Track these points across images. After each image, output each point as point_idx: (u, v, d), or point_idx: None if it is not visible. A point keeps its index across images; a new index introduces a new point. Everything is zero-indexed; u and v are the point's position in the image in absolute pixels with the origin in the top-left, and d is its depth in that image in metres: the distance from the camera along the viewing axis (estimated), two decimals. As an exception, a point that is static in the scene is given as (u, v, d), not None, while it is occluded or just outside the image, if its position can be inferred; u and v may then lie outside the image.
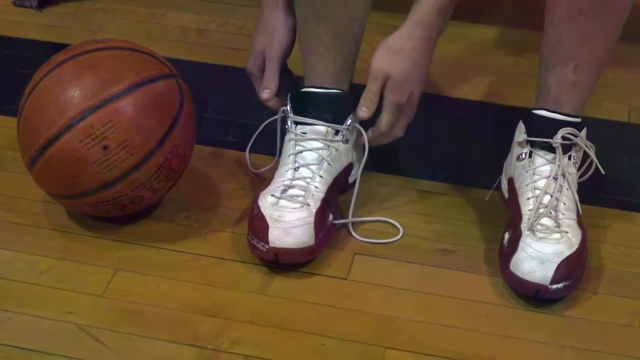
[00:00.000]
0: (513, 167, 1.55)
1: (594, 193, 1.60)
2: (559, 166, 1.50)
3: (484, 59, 1.97)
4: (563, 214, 1.48)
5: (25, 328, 1.39)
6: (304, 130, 1.54)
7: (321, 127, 1.53)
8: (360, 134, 1.55)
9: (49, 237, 1.53)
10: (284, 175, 1.52)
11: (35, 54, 1.96)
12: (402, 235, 1.55)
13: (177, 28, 2.03)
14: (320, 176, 1.52)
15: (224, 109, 1.80)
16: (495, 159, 1.66)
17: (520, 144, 1.54)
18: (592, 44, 1.48)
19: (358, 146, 1.57)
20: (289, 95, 1.56)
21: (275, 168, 1.59)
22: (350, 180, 1.61)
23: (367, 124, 1.55)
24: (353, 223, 1.55)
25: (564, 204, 1.49)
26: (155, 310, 1.42)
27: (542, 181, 1.50)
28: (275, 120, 1.59)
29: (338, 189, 1.57)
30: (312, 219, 1.47)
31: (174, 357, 1.36)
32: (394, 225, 1.57)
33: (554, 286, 1.42)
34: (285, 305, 1.44)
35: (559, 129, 1.50)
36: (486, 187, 1.63)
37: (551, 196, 1.49)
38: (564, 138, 1.50)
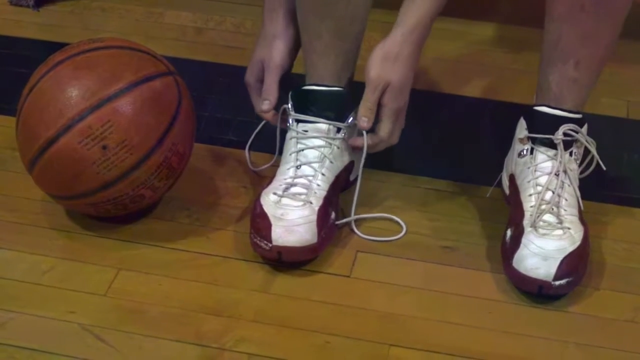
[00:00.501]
0: (514, 163, 1.55)
1: (594, 189, 1.60)
2: (560, 162, 1.50)
3: (482, 56, 1.97)
4: (565, 210, 1.48)
5: (29, 328, 1.38)
6: (305, 128, 1.53)
7: (323, 125, 1.53)
8: (356, 134, 1.55)
9: (50, 237, 1.53)
10: (285, 173, 1.52)
11: (32, 53, 1.96)
12: (405, 232, 1.55)
13: (175, 26, 2.03)
14: (322, 174, 1.52)
15: (223, 107, 1.80)
16: (495, 155, 1.66)
17: (521, 140, 1.54)
18: (593, 41, 1.48)
19: (354, 147, 1.57)
20: (290, 93, 1.56)
21: (275, 166, 1.58)
22: (352, 177, 1.61)
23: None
24: (356, 220, 1.55)
25: (566, 200, 1.49)
26: (158, 310, 1.42)
27: (544, 177, 1.50)
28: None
29: (340, 187, 1.57)
30: (314, 217, 1.47)
31: (178, 356, 1.36)
32: (397, 222, 1.57)
33: (557, 282, 1.42)
34: (289, 303, 1.44)
35: (560, 125, 1.51)
36: (487, 183, 1.63)
37: (553, 192, 1.49)
38: (565, 134, 1.51)
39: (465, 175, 1.67)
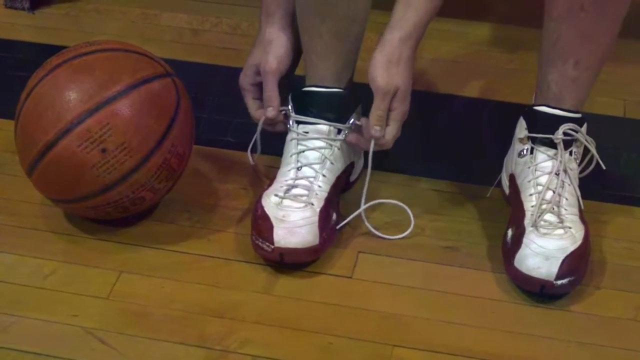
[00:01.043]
0: (514, 163, 1.56)
1: (593, 188, 1.60)
2: (560, 162, 1.50)
3: (479, 57, 1.98)
4: (566, 209, 1.49)
5: (32, 332, 1.38)
6: (305, 130, 1.53)
7: (323, 127, 1.53)
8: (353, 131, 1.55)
9: (51, 241, 1.53)
10: (286, 174, 1.52)
11: (28, 56, 1.95)
12: (412, 227, 1.55)
13: (171, 28, 2.02)
14: (324, 175, 1.52)
15: (221, 109, 1.80)
16: (494, 155, 1.67)
17: (521, 140, 1.55)
18: (592, 40, 1.48)
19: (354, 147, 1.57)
20: (290, 94, 1.56)
21: (271, 167, 1.58)
22: (352, 179, 1.61)
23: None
24: (362, 214, 1.54)
25: (566, 199, 1.50)
26: (161, 312, 1.42)
27: (544, 177, 1.50)
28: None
29: (340, 188, 1.57)
30: (316, 219, 1.47)
31: (182, 359, 1.36)
32: (405, 214, 1.56)
33: (559, 282, 1.43)
34: (291, 304, 1.44)
35: (560, 124, 1.51)
36: (486, 183, 1.63)
37: (553, 192, 1.49)
38: (565, 134, 1.51)
39: (465, 175, 1.68)
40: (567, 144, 1.51)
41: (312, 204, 1.48)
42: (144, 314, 1.41)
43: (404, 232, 1.55)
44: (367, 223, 1.54)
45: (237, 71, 1.76)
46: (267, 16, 1.58)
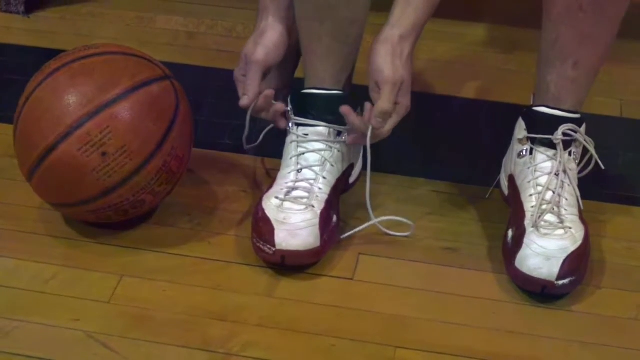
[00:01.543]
0: (513, 164, 1.56)
1: (592, 188, 1.61)
2: (560, 162, 1.51)
3: (475, 58, 1.98)
4: (566, 209, 1.49)
5: (34, 336, 1.38)
6: (305, 132, 1.54)
7: (323, 129, 1.53)
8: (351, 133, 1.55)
9: (51, 245, 1.52)
10: (286, 177, 1.52)
11: (23, 60, 1.95)
12: (413, 229, 1.55)
13: (167, 31, 2.02)
14: (324, 177, 1.52)
15: (219, 111, 1.80)
16: (492, 156, 1.67)
17: (520, 141, 1.55)
18: (591, 40, 1.49)
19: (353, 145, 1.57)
20: (289, 96, 1.56)
21: (271, 169, 1.58)
22: (351, 180, 1.61)
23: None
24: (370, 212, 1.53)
25: (566, 199, 1.50)
26: (163, 316, 1.42)
27: (544, 178, 1.51)
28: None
29: (340, 190, 1.57)
30: (317, 221, 1.47)
31: (186, 362, 1.36)
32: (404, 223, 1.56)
33: (560, 282, 1.43)
34: (293, 307, 1.44)
35: (559, 125, 1.51)
36: (485, 184, 1.64)
37: (553, 192, 1.50)
38: (564, 134, 1.51)
39: (464, 176, 1.68)
40: (567, 145, 1.52)
41: (313, 206, 1.48)
42: (146, 318, 1.41)
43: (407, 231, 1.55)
44: (372, 214, 1.53)
45: (233, 74, 1.76)
46: (261, 11, 1.58)
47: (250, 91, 1.54)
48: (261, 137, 1.65)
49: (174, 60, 1.88)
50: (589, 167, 1.56)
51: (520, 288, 1.47)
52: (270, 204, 1.49)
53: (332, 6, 1.49)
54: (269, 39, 1.56)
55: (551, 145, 1.52)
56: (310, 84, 1.56)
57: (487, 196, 1.62)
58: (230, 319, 1.41)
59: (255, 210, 1.51)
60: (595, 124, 1.70)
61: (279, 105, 1.56)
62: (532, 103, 1.58)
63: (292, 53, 1.60)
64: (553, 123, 1.52)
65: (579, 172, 1.55)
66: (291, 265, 1.47)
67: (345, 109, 1.49)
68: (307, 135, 1.53)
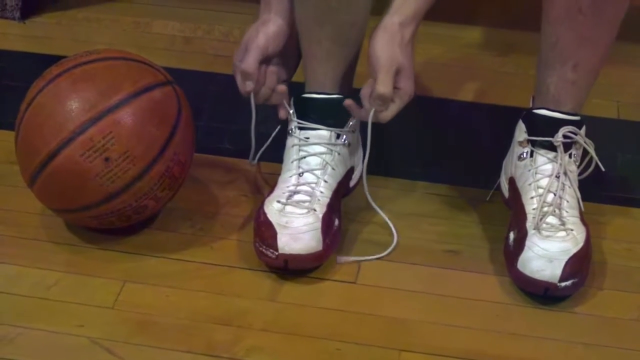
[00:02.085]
0: (514, 166, 1.56)
1: (591, 190, 1.61)
2: (560, 164, 1.51)
3: (472, 60, 1.98)
4: (567, 211, 1.49)
5: (38, 343, 1.38)
6: (307, 135, 1.54)
7: (324, 132, 1.54)
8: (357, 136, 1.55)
9: (52, 251, 1.52)
10: (288, 181, 1.52)
11: (20, 66, 1.95)
12: (396, 242, 1.55)
13: (163, 36, 2.02)
14: (325, 181, 1.52)
15: (218, 116, 1.80)
16: (491, 158, 1.67)
17: (520, 143, 1.55)
18: (590, 43, 1.49)
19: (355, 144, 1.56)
20: (291, 99, 1.56)
21: (271, 174, 1.59)
22: (352, 184, 1.61)
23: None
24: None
25: (567, 201, 1.50)
26: (167, 321, 1.42)
27: (545, 180, 1.51)
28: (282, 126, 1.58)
29: (342, 193, 1.57)
30: (319, 224, 1.47)
31: (191, 367, 1.36)
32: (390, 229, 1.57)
33: (563, 284, 1.44)
34: (297, 311, 1.44)
35: (559, 127, 1.52)
36: (485, 187, 1.64)
37: (554, 194, 1.50)
38: (565, 136, 1.52)
39: (463, 179, 1.68)
40: (567, 147, 1.52)
41: (315, 210, 1.49)
42: (150, 323, 1.41)
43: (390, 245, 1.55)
44: (374, 204, 1.54)
45: (231, 78, 1.75)
46: (264, 5, 1.57)
47: (250, 69, 1.53)
48: (259, 153, 1.65)
49: (171, 65, 1.86)
50: (589, 169, 1.56)
51: (523, 290, 1.47)
52: (272, 208, 1.49)
53: (333, 9, 1.49)
54: (270, 29, 1.55)
55: (552, 147, 1.52)
56: (310, 88, 1.56)
57: (487, 199, 1.63)
58: (234, 323, 1.41)
59: (257, 214, 1.51)
60: (593, 126, 1.70)
61: (282, 87, 1.56)
62: (531, 105, 1.58)
63: (294, 48, 1.60)
64: (553, 125, 1.52)
65: (579, 174, 1.56)
66: (294, 269, 1.47)
67: (348, 102, 1.49)
68: (308, 138, 1.54)
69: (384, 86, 1.43)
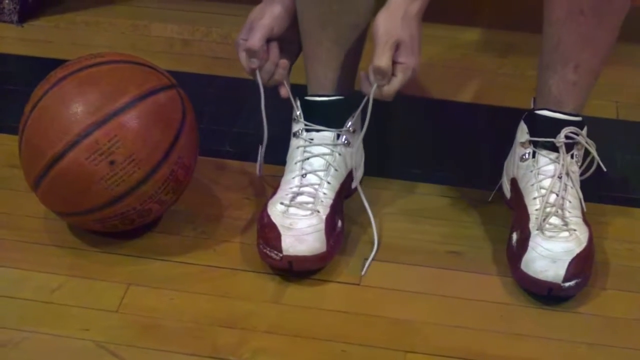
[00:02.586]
0: (516, 167, 1.57)
1: (592, 190, 1.62)
2: (562, 165, 1.52)
3: (470, 61, 1.99)
4: (569, 212, 1.50)
5: (44, 347, 1.37)
6: (311, 137, 1.54)
7: (328, 133, 1.54)
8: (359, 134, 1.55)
9: (55, 255, 1.52)
10: (291, 182, 1.53)
11: (19, 69, 1.95)
12: (376, 249, 1.54)
13: (162, 39, 2.02)
14: (328, 182, 1.52)
15: (218, 119, 1.80)
16: (491, 159, 1.68)
17: (522, 144, 1.56)
18: (592, 44, 1.50)
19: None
20: (297, 101, 1.56)
21: (273, 176, 1.59)
22: (353, 186, 1.61)
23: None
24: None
25: (570, 202, 1.51)
26: (171, 324, 1.41)
27: (547, 180, 1.52)
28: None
29: (344, 195, 1.58)
30: (322, 226, 1.47)
31: (196, 370, 1.36)
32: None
33: (567, 284, 1.44)
34: (302, 313, 1.44)
35: (561, 128, 1.52)
36: (486, 187, 1.64)
37: (557, 195, 1.50)
38: (567, 137, 1.52)
39: (465, 180, 1.68)
40: (569, 147, 1.53)
41: (318, 211, 1.49)
42: (155, 326, 1.41)
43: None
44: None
45: (231, 80, 1.76)
46: None
47: (256, 46, 1.53)
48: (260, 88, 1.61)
49: (170, 68, 1.85)
50: (591, 169, 1.57)
51: (526, 290, 1.48)
52: (276, 210, 1.49)
53: (335, 12, 1.50)
54: (276, 9, 1.55)
55: (553, 148, 1.53)
56: (312, 90, 1.56)
57: (489, 199, 1.63)
58: (239, 326, 1.41)
59: (260, 216, 1.51)
60: (592, 127, 1.71)
61: (284, 62, 1.55)
62: (532, 106, 1.59)
63: (296, 33, 1.58)
64: (555, 126, 1.53)
65: (581, 175, 1.56)
66: (298, 270, 1.47)
67: (362, 74, 1.47)
68: (312, 140, 1.54)
69: (379, 60, 1.42)
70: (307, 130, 1.54)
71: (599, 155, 1.57)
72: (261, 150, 1.62)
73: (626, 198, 1.67)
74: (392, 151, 1.73)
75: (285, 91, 1.56)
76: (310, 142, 1.54)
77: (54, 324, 1.40)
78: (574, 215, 1.50)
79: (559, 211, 1.49)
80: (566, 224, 1.48)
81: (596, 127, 1.78)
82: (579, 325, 1.44)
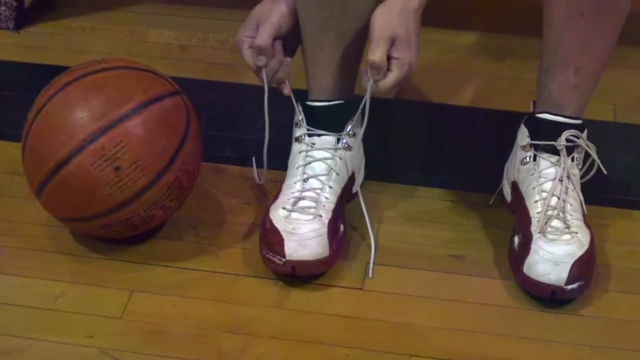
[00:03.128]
0: (517, 170, 1.57)
1: (592, 193, 1.62)
2: (563, 168, 1.52)
3: (467, 65, 1.99)
4: (571, 215, 1.50)
5: (48, 354, 1.37)
6: (313, 142, 1.54)
7: (329, 137, 1.54)
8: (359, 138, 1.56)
9: (58, 261, 1.51)
10: (293, 187, 1.53)
11: (16, 76, 1.94)
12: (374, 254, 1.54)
13: (159, 45, 2.02)
14: (330, 186, 1.52)
15: (217, 124, 1.80)
16: (491, 163, 1.68)
17: (523, 147, 1.56)
18: (592, 47, 1.50)
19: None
20: (299, 105, 1.56)
21: (274, 181, 1.60)
22: (354, 190, 1.61)
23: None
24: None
25: (571, 205, 1.51)
26: (176, 330, 1.41)
27: (548, 184, 1.52)
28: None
29: (345, 199, 1.58)
30: (325, 230, 1.47)
31: (202, 376, 1.36)
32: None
33: (569, 287, 1.44)
34: (305, 318, 1.44)
35: (562, 131, 1.53)
36: (486, 191, 1.65)
37: (558, 198, 1.51)
38: (567, 140, 1.53)
39: (465, 184, 1.69)
40: (570, 150, 1.53)
41: (321, 216, 1.49)
42: (159, 332, 1.41)
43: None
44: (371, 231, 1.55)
45: (229, 86, 1.76)
46: None
47: (265, 45, 1.52)
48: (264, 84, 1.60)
49: (168, 74, 1.85)
50: (591, 172, 1.57)
51: (529, 293, 1.48)
52: (278, 215, 1.49)
53: (336, 17, 1.50)
54: (283, 8, 1.54)
55: (554, 151, 1.53)
56: (313, 95, 1.57)
57: (490, 203, 1.63)
58: (243, 331, 1.41)
59: (262, 221, 1.51)
60: (590, 129, 1.72)
61: (288, 59, 1.55)
62: (532, 110, 1.59)
63: (297, 32, 1.59)
64: (556, 129, 1.53)
65: (581, 177, 1.57)
66: (301, 275, 1.47)
67: (362, 69, 1.47)
68: (314, 144, 1.54)
69: (372, 54, 1.42)
70: (310, 135, 1.55)
71: (599, 157, 1.57)
72: (265, 151, 1.61)
73: (626, 200, 1.68)
74: (392, 155, 1.73)
75: (287, 89, 1.56)
76: (312, 147, 1.54)
77: (58, 331, 1.40)
78: (575, 218, 1.50)
79: (561, 214, 1.50)
80: (568, 227, 1.49)
81: (594, 129, 1.79)
82: (582, 328, 1.45)
